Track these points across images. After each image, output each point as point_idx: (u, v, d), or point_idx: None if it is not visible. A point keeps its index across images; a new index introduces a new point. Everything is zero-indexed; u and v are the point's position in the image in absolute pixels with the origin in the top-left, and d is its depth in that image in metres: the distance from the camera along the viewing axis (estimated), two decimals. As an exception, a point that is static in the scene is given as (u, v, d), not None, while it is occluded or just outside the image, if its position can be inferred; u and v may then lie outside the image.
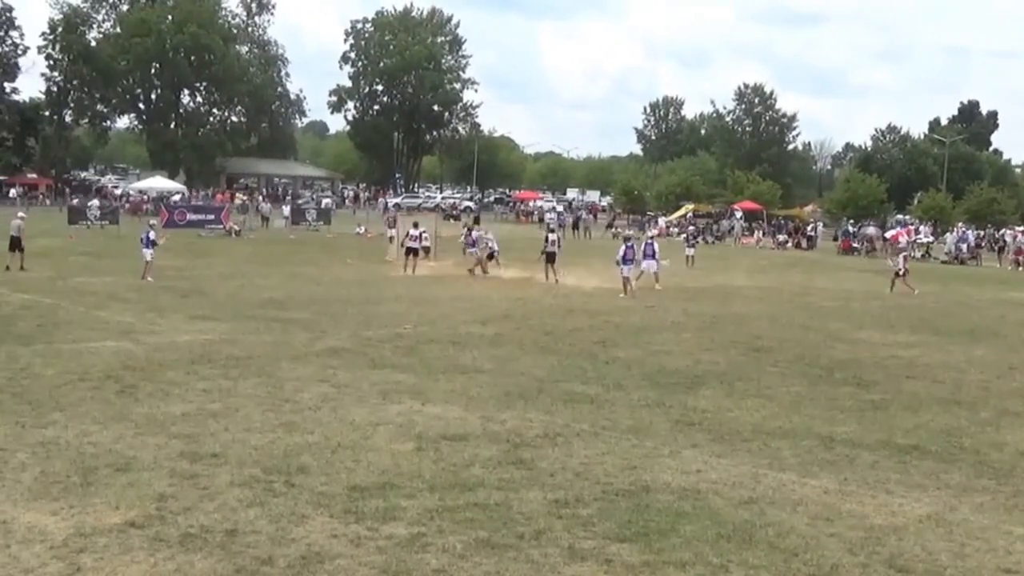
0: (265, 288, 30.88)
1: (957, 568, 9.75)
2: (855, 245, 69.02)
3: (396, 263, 38.56)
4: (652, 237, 40.38)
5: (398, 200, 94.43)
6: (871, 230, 74.00)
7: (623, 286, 32.76)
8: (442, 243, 44.97)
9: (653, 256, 34.86)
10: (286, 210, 70.23)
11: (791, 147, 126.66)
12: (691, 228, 58.05)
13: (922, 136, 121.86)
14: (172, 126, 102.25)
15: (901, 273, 38.72)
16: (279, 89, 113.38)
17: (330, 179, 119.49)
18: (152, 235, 33.18)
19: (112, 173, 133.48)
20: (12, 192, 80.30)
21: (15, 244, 33.77)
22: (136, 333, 21.28)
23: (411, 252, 37.71)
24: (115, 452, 12.34)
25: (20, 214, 38.09)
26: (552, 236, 37.86)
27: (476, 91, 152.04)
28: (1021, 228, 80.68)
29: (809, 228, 77.13)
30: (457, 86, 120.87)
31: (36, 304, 25.11)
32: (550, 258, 36.44)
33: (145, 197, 77.57)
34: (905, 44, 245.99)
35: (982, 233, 73.01)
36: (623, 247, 33.58)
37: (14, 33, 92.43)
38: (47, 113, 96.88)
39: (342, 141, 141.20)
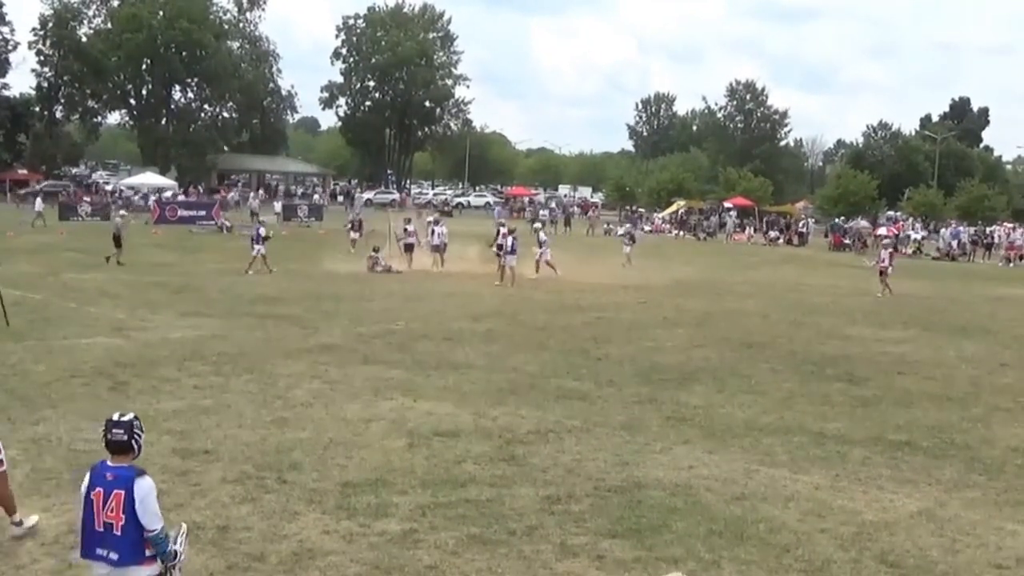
0: (257, 284, 30.84)
1: (948, 564, 9.79)
2: (846, 241, 69.10)
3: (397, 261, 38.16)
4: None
5: (370, 196, 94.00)
6: (862, 223, 74.10)
7: (500, 274, 34.12)
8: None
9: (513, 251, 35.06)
10: (277, 206, 70.01)
11: (783, 143, 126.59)
12: (628, 226, 54.59)
13: (913, 133, 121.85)
14: (163, 122, 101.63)
15: (886, 270, 36.83)
16: (270, 85, 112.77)
17: (322, 175, 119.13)
18: (262, 231, 35.72)
19: (103, 169, 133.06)
20: (40, 186, 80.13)
21: (117, 240, 35.86)
22: (127, 329, 21.27)
23: (408, 248, 38.09)
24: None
25: (122, 212, 42.65)
26: (503, 230, 38.29)
27: (468, 87, 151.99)
28: (1011, 225, 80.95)
29: (800, 224, 77.24)
30: (449, 82, 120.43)
31: (27, 300, 25.04)
32: (501, 250, 36.78)
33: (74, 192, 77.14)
34: (897, 41, 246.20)
35: (973, 230, 73.06)
36: (510, 239, 34.67)
37: (4, 28, 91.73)
38: (37, 109, 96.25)
39: (334, 137, 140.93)
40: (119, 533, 6.60)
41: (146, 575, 6.72)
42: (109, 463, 6.76)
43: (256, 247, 34.93)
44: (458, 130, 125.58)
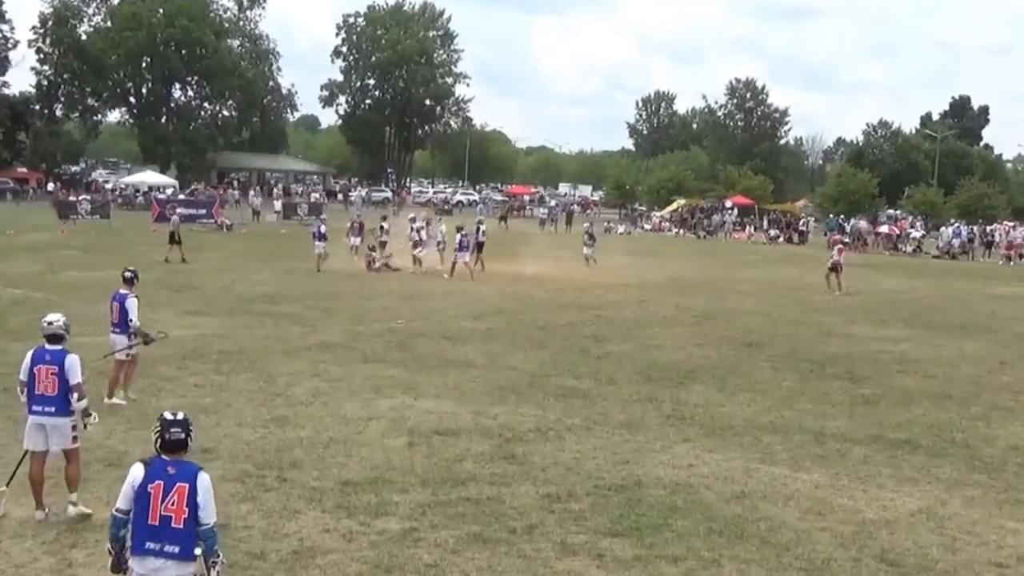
0: (257, 283, 30.82)
1: (948, 562, 9.79)
2: (846, 240, 68.90)
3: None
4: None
5: (363, 192, 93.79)
6: (862, 224, 73.94)
7: (451, 270, 34.86)
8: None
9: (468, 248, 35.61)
10: (277, 204, 69.99)
11: (783, 142, 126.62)
12: (587, 225, 52.37)
13: (913, 131, 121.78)
14: (163, 120, 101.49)
15: (837, 266, 35.68)
16: (270, 83, 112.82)
17: (321, 173, 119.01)
18: (323, 229, 36.34)
19: (103, 167, 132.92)
20: (50, 186, 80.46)
21: (172, 238, 37.10)
22: (128, 328, 21.20)
23: (383, 245, 38.26)
24: (106, 447, 12.34)
25: (179, 209, 46.35)
26: (482, 227, 38.67)
27: (468, 85, 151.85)
28: (1012, 223, 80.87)
29: (801, 223, 77.09)
30: (449, 80, 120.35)
31: (28, 299, 25.03)
32: (478, 247, 36.98)
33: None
34: (897, 39, 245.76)
35: (973, 228, 73.01)
36: (458, 236, 35.24)
37: (4, 26, 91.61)
38: (37, 107, 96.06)
39: (333, 135, 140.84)
40: (180, 526, 6.71)
41: (190, 572, 6.82)
42: (166, 458, 6.85)
43: (318, 244, 35.57)
44: (458, 128, 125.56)
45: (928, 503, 11.59)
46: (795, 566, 9.51)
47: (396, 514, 10.43)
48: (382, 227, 39.55)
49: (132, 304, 15.19)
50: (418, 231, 38.83)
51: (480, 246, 37.02)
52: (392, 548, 9.52)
